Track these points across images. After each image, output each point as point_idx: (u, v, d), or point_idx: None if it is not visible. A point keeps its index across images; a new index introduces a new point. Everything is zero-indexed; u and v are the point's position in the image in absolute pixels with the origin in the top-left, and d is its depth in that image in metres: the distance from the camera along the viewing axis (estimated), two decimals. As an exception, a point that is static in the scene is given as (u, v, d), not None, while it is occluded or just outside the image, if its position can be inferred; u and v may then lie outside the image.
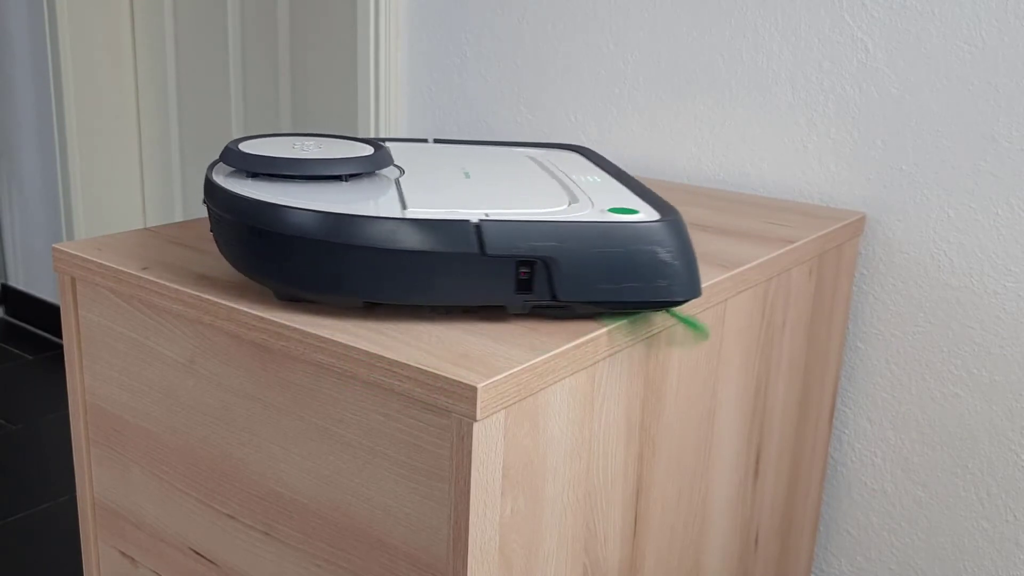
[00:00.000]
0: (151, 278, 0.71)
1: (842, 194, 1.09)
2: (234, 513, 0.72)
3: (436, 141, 0.89)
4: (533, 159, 0.86)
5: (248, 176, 0.69)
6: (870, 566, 1.15)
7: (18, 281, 2.49)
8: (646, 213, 0.66)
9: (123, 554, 0.83)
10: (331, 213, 0.61)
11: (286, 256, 0.62)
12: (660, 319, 0.69)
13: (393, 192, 0.67)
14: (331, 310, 0.65)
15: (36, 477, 1.74)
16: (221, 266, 0.74)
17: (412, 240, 0.60)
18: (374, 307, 0.66)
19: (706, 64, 1.16)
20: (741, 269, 0.80)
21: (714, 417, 0.82)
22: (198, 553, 0.76)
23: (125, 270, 0.72)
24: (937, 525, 1.10)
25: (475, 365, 0.56)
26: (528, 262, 0.62)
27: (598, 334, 0.63)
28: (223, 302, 0.66)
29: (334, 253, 0.61)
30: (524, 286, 0.62)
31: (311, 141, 0.75)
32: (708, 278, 0.76)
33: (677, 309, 0.70)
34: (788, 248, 0.87)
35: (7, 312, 2.53)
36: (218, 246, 0.68)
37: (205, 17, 2.00)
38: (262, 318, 0.64)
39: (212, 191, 0.66)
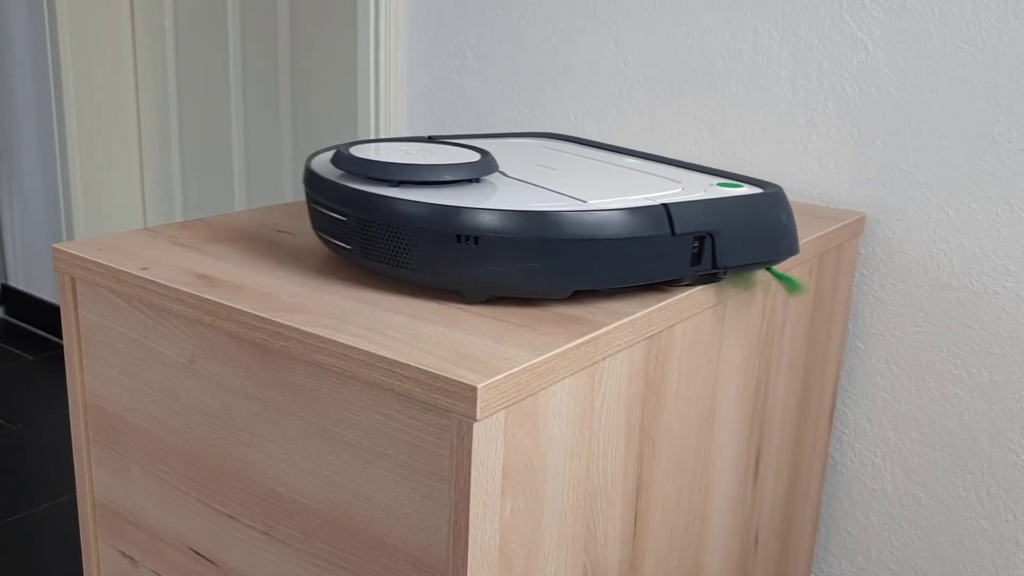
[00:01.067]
0: (151, 278, 0.71)
1: (842, 194, 1.09)
2: (234, 513, 0.72)
3: (431, 138, 0.91)
4: (559, 150, 0.91)
5: (394, 185, 0.69)
6: (870, 566, 1.15)
7: (18, 281, 2.49)
8: (749, 186, 0.77)
9: (123, 554, 0.83)
10: (551, 211, 0.65)
11: (500, 256, 0.65)
12: (762, 275, 0.80)
13: (541, 189, 0.72)
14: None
15: (36, 477, 1.74)
16: (221, 266, 0.74)
17: (619, 227, 0.66)
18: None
19: (706, 64, 1.16)
20: (741, 269, 0.80)
21: (714, 417, 0.82)
22: (198, 553, 0.76)
23: (125, 270, 0.72)
24: (937, 525, 1.10)
25: (475, 365, 0.56)
26: (700, 237, 0.70)
27: (598, 334, 0.63)
28: (223, 302, 0.66)
29: (550, 248, 0.65)
30: (695, 259, 0.71)
31: (408, 146, 0.78)
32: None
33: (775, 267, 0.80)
34: (788, 248, 0.87)
35: (7, 312, 2.53)
36: (378, 256, 0.68)
37: (205, 17, 2.00)
38: (262, 318, 0.64)
39: (393, 204, 0.66)
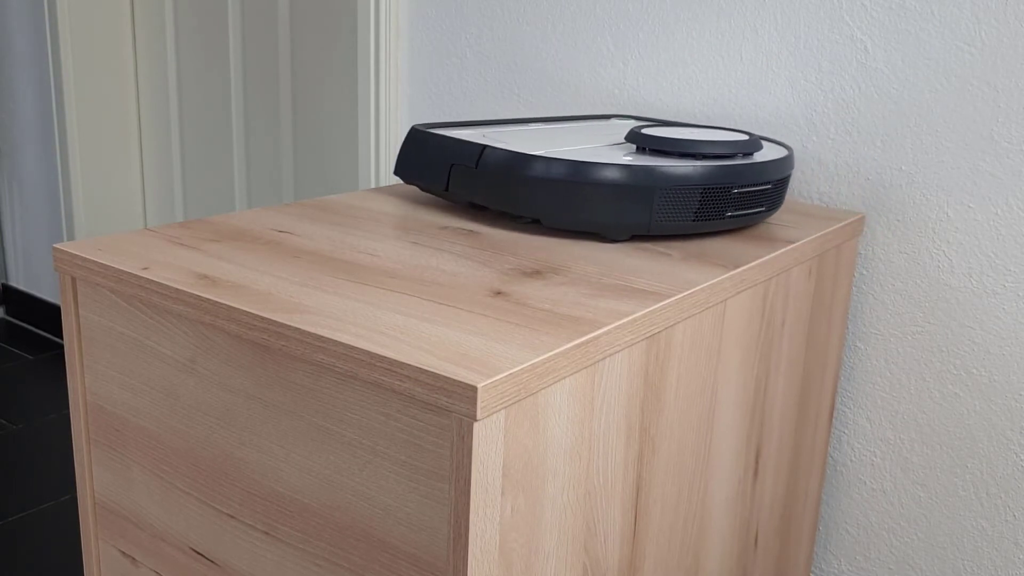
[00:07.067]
0: (151, 278, 0.71)
1: (842, 194, 1.09)
2: (235, 513, 0.72)
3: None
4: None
5: (692, 158, 0.88)
6: (870, 565, 1.15)
7: (18, 281, 2.49)
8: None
9: (124, 554, 0.83)
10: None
11: (762, 202, 0.89)
12: None
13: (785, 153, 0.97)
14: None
15: (36, 477, 1.74)
16: (221, 266, 0.74)
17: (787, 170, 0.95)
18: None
19: (705, 65, 1.16)
20: (741, 269, 0.80)
21: (714, 417, 0.82)
22: (199, 553, 0.76)
23: (125, 270, 0.72)
24: (937, 525, 1.10)
25: (475, 365, 0.56)
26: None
27: (598, 334, 0.63)
28: (223, 302, 0.66)
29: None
30: None
31: (687, 130, 0.98)
32: (708, 278, 0.77)
33: None
34: (788, 248, 0.87)
35: (7, 312, 2.53)
36: (644, 216, 0.84)
37: (205, 17, 2.00)
38: (262, 318, 0.64)
39: (668, 172, 0.83)
